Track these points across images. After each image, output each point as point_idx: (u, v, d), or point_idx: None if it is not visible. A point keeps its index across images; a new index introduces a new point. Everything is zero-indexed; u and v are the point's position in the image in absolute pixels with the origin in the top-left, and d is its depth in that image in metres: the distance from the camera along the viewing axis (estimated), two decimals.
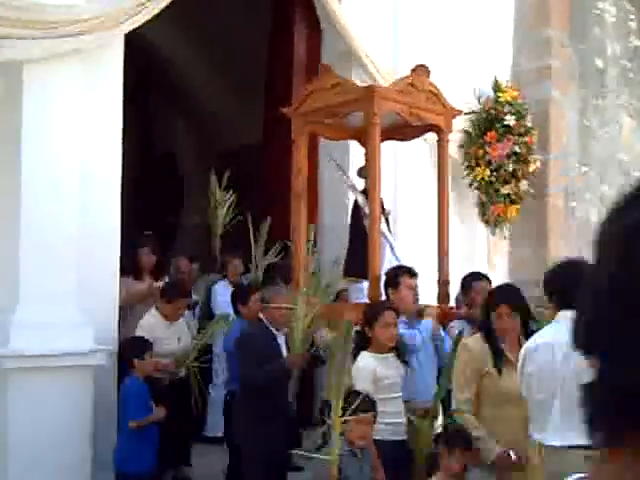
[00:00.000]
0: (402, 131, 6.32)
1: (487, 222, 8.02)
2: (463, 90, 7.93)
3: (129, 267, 6.10)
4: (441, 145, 6.27)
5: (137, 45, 6.41)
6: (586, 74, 8.83)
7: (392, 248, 6.01)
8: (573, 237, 8.65)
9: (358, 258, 5.81)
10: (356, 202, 6.19)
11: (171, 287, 6.11)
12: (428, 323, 5.34)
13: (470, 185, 7.86)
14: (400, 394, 4.82)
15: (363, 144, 6.32)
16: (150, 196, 10.70)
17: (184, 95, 10.50)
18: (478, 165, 7.80)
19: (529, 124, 7.91)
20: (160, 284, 6.20)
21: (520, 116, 7.86)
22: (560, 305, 3.74)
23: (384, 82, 7.12)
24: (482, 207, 7.97)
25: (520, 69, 8.48)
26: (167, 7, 5.78)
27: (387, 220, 6.23)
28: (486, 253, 8.21)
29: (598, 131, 9.08)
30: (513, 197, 7.90)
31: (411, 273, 5.37)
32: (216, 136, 10.19)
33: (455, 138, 7.75)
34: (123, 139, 5.62)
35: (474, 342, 4.33)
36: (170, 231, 10.56)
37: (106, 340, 5.36)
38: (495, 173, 7.79)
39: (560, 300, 3.73)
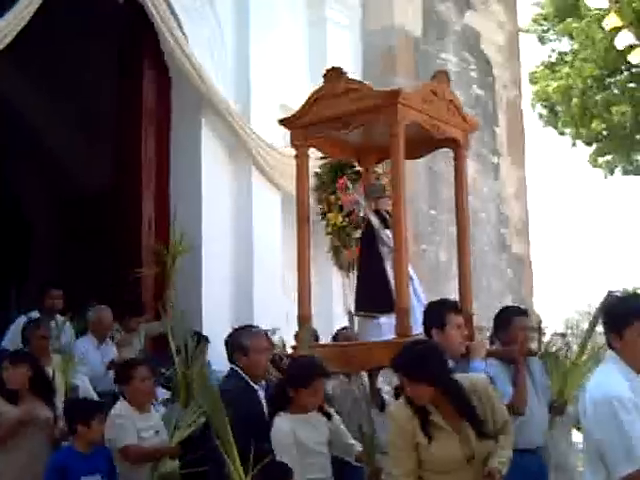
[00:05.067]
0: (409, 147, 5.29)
1: (340, 266, 8.12)
2: None
3: None
4: (459, 162, 5.61)
5: None
6: None
7: (412, 279, 5.33)
8: (424, 278, 8.90)
9: (373, 289, 5.25)
10: (368, 225, 5.63)
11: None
12: (480, 366, 4.49)
13: (327, 232, 7.96)
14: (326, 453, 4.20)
15: (361, 164, 5.97)
16: None
17: (33, 140, 10.16)
18: (330, 211, 7.91)
19: (379, 170, 8.09)
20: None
21: None
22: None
23: (238, 127, 7.12)
24: (336, 251, 8.07)
25: None
26: (10, 47, 5.60)
27: None
28: (341, 297, 8.29)
29: (445, 175, 9.42)
30: None
31: (457, 309, 4.66)
32: (64, 181, 9.89)
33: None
34: None
35: (398, 409, 3.71)
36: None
37: None
38: (347, 218, 7.92)
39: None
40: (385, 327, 5.25)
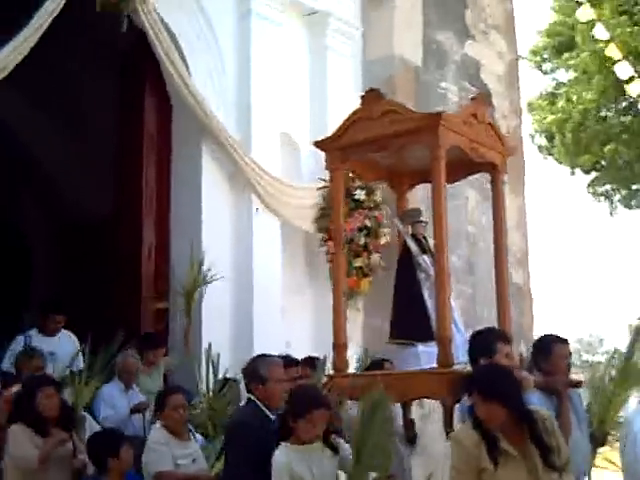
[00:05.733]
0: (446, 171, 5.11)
1: None
2: (318, 162, 8.10)
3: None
4: (497, 187, 5.60)
5: None
6: None
7: (451, 308, 5.18)
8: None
9: (411, 317, 5.21)
10: (405, 250, 5.56)
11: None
12: (533, 397, 4.22)
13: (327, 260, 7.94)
14: None
15: (393, 187, 5.91)
16: None
17: (32, 166, 10.17)
18: (330, 239, 7.90)
19: (379, 199, 8.11)
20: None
21: (370, 191, 8.05)
22: None
23: (237, 157, 7.14)
24: None
25: None
26: (11, 74, 5.63)
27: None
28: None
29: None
30: (365, 270, 8.03)
31: (506, 338, 4.55)
32: (65, 208, 9.89)
33: (309, 213, 7.88)
34: None
35: (465, 433, 3.60)
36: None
37: None
38: (347, 246, 7.91)
39: None
40: (423, 356, 5.16)
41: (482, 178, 10.01)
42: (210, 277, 6.80)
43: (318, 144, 5.60)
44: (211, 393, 6.10)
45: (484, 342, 4.44)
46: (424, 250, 5.56)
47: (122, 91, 7.50)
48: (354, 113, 5.39)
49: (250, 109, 7.45)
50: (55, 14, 5.81)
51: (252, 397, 4.30)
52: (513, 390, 3.54)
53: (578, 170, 15.77)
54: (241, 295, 7.13)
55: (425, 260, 5.48)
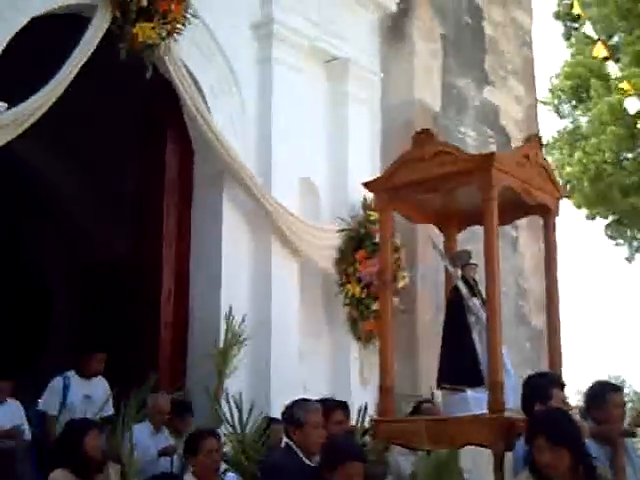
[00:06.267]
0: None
1: (359, 338, 8.10)
2: (336, 207, 8.17)
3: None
4: (549, 230, 5.56)
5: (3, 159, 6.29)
6: None
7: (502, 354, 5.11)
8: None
9: (461, 362, 5.09)
10: (455, 293, 5.44)
11: None
12: (591, 447, 3.99)
13: (345, 303, 7.96)
14: None
15: (441, 229, 5.86)
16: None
17: (53, 208, 10.31)
18: (349, 282, 7.93)
19: (397, 241, 8.14)
20: None
21: None
22: None
23: (259, 195, 7.17)
24: (353, 323, 8.06)
25: None
26: (39, 120, 5.74)
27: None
28: (358, 367, 8.24)
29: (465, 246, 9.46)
30: None
31: (561, 384, 4.48)
32: (84, 249, 9.99)
33: (328, 254, 7.92)
34: None
35: None
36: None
37: None
38: (366, 290, 7.93)
39: None
40: (472, 402, 5.07)
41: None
42: (242, 335, 6.78)
43: (367, 185, 5.56)
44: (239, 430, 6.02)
45: (539, 387, 4.37)
46: (474, 293, 5.48)
47: (144, 136, 7.60)
48: (404, 155, 5.35)
49: (270, 154, 7.53)
50: (82, 63, 5.94)
51: (290, 442, 4.23)
52: (578, 435, 3.43)
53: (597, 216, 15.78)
54: (259, 338, 7.14)
55: (475, 303, 5.40)
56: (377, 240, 7.95)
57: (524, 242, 10.47)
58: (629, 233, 16.05)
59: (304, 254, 7.57)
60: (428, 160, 5.09)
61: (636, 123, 12.51)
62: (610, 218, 15.72)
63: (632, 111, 12.13)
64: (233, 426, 6.09)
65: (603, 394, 4.45)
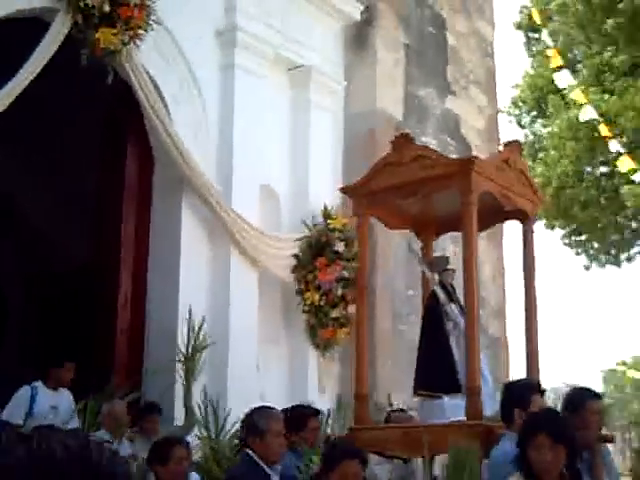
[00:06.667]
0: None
1: (317, 345, 8.13)
2: (297, 214, 8.19)
3: None
4: (527, 235, 5.51)
5: None
6: None
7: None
8: (402, 358, 8.91)
9: (438, 368, 5.04)
10: (432, 299, 5.39)
11: None
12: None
13: (304, 310, 7.99)
14: None
15: (418, 234, 5.78)
16: None
17: (8, 211, 10.18)
18: (308, 289, 7.96)
19: (357, 250, 8.18)
20: None
21: (349, 242, 8.13)
22: None
23: (217, 207, 7.19)
24: (312, 330, 8.09)
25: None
26: None
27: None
28: (316, 376, 8.27)
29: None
30: (342, 320, 8.08)
31: (541, 391, 4.42)
32: (42, 256, 9.89)
33: (287, 263, 7.94)
34: None
35: None
36: None
37: None
38: (325, 297, 7.97)
39: None
40: (449, 408, 5.03)
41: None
42: (205, 341, 6.76)
43: (344, 190, 5.49)
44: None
45: (518, 393, 4.35)
46: (452, 299, 5.45)
47: (104, 142, 7.55)
48: (383, 159, 5.31)
49: (232, 161, 7.53)
50: (41, 66, 5.89)
51: (249, 452, 4.08)
52: (575, 437, 3.45)
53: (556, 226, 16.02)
54: (217, 346, 7.13)
55: (453, 309, 5.37)
56: (337, 248, 8.04)
57: (483, 250, 10.58)
58: (586, 245, 16.30)
59: (262, 264, 7.57)
60: (407, 164, 5.05)
61: (594, 133, 12.73)
62: (568, 229, 15.95)
63: (583, 119, 12.35)
64: (208, 431, 6.00)
65: (582, 400, 4.41)
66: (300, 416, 5.02)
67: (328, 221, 8.14)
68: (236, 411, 5.95)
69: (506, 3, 21.61)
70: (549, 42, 13.69)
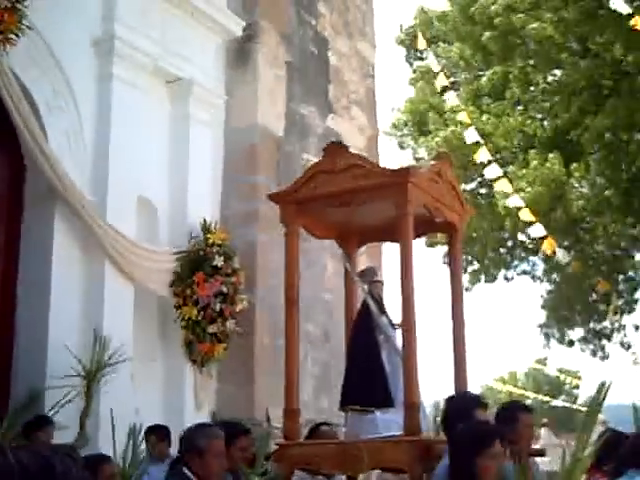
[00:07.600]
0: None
1: (194, 361, 8.04)
2: (175, 228, 8.10)
3: None
4: (454, 248, 5.52)
5: None
6: None
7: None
8: (280, 375, 8.90)
9: (370, 382, 4.84)
10: (364, 311, 5.19)
11: None
12: (509, 466, 3.93)
13: (181, 326, 7.88)
14: None
15: (341, 245, 5.61)
16: None
17: None
18: (186, 304, 7.87)
19: (237, 265, 8.16)
20: None
21: (228, 257, 8.10)
22: None
23: (90, 220, 7.01)
24: (189, 346, 7.99)
25: (229, 212, 8.81)
26: None
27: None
28: (193, 392, 8.16)
29: (304, 272, 9.53)
30: (220, 336, 8.02)
31: (484, 405, 4.36)
32: None
33: (163, 278, 7.82)
34: None
35: None
36: None
37: None
38: (202, 312, 7.90)
39: None
40: (381, 424, 4.90)
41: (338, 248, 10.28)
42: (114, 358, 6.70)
43: (272, 197, 5.27)
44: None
45: (461, 407, 4.30)
46: (382, 311, 5.31)
47: None
48: (314, 166, 5.17)
49: (107, 172, 7.38)
50: None
51: (185, 470, 3.87)
52: None
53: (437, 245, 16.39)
54: (89, 361, 6.93)
55: (384, 322, 5.22)
56: (216, 263, 7.98)
57: (363, 266, 10.69)
58: (464, 264, 16.75)
59: (138, 278, 7.44)
60: (339, 173, 4.91)
61: (473, 153, 13.15)
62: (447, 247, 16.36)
63: (469, 141, 12.83)
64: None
65: (514, 414, 4.38)
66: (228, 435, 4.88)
67: (207, 235, 8.09)
68: (109, 428, 5.81)
69: (387, 17, 22.07)
70: (435, 66, 14.09)
